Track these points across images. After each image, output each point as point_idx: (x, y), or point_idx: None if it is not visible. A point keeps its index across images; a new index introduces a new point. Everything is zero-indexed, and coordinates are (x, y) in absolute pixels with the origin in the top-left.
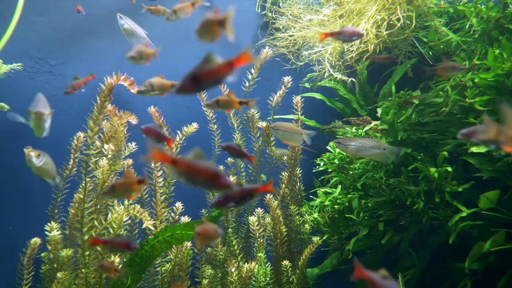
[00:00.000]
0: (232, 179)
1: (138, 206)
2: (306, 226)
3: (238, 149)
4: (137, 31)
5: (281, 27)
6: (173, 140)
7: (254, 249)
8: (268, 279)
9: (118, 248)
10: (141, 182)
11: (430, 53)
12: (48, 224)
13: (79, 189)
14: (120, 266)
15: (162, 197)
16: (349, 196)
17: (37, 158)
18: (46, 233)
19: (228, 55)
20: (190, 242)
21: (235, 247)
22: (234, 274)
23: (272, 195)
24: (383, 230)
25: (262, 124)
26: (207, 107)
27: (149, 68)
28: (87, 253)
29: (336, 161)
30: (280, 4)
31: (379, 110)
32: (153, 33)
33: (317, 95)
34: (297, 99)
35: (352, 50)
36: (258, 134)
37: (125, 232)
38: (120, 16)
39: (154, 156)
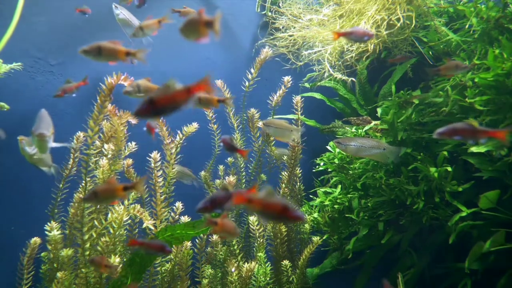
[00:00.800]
0: (232, 178)
1: (138, 206)
2: (306, 226)
3: (230, 142)
4: (132, 21)
5: (281, 27)
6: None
7: (254, 248)
8: (268, 278)
9: (153, 250)
10: (127, 188)
11: (430, 53)
12: (48, 223)
13: (79, 188)
14: (121, 265)
15: (162, 197)
16: (349, 196)
17: (30, 146)
18: (46, 232)
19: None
20: (190, 242)
21: (235, 247)
22: (234, 274)
23: None
24: (383, 230)
25: (262, 124)
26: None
27: (149, 68)
28: (87, 252)
29: (336, 161)
30: (280, 4)
31: (379, 110)
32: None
33: (317, 95)
34: (297, 98)
35: (352, 50)
36: (258, 134)
37: (125, 231)
38: (115, 6)
39: (235, 200)
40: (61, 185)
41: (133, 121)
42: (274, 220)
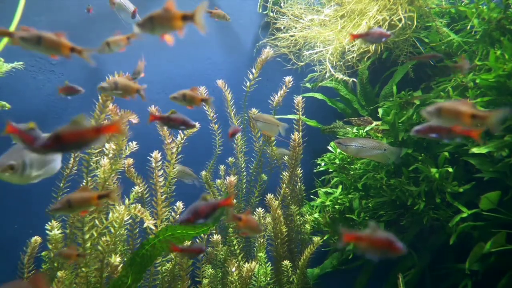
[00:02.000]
0: (232, 178)
1: (139, 206)
2: (307, 226)
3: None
4: (127, 5)
5: (282, 27)
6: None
7: (255, 249)
8: (268, 279)
9: (193, 254)
10: (102, 197)
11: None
12: (49, 223)
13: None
14: (121, 265)
15: (163, 197)
16: (349, 196)
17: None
18: (47, 232)
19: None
20: (190, 241)
21: (236, 247)
22: (235, 274)
23: (272, 194)
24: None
25: (252, 117)
26: (173, 99)
27: (150, 68)
28: (88, 252)
29: (337, 161)
30: (282, 4)
31: (380, 111)
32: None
33: (318, 95)
34: (298, 99)
35: (353, 51)
36: (259, 134)
37: (126, 231)
38: None
39: (345, 239)
40: (61, 185)
41: (134, 120)
42: (380, 255)
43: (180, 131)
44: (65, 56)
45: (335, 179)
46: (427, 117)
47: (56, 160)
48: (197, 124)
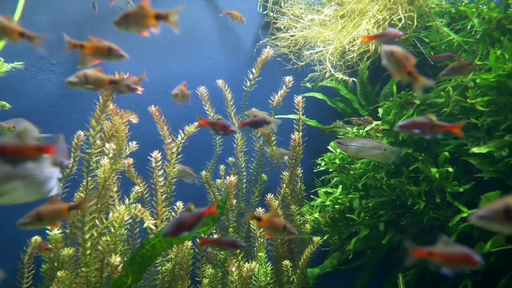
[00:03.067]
0: (232, 178)
1: (139, 205)
2: (307, 226)
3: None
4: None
5: (282, 27)
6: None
7: (255, 248)
8: (268, 278)
9: (226, 246)
10: (73, 208)
11: (432, 53)
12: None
13: (80, 188)
14: (121, 265)
15: (163, 196)
16: (350, 196)
17: (10, 132)
18: (47, 231)
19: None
20: (190, 241)
21: None
22: (235, 274)
23: (273, 194)
24: (383, 230)
25: (244, 114)
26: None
27: (150, 68)
28: (88, 252)
29: (337, 161)
30: (282, 4)
31: (380, 110)
32: (154, 33)
33: (318, 95)
34: (298, 99)
35: (353, 50)
36: (259, 134)
37: (126, 231)
38: None
39: (413, 255)
40: (61, 184)
41: (134, 120)
42: (455, 268)
43: (180, 131)
44: (13, 41)
45: (335, 179)
46: (382, 55)
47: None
48: (197, 124)
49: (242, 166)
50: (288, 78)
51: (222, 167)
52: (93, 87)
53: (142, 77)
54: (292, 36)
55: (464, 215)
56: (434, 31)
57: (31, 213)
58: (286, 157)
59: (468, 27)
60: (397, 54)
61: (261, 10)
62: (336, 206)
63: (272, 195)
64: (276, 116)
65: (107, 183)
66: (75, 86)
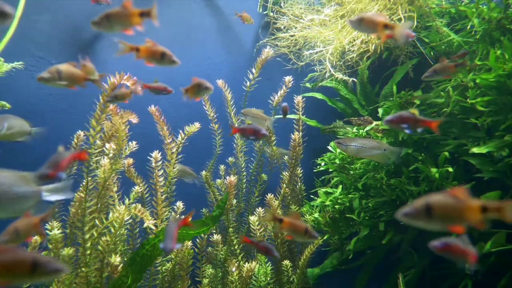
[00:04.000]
0: (232, 178)
1: (139, 205)
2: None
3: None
4: None
5: (282, 27)
6: None
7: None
8: (268, 278)
9: (261, 250)
10: (43, 219)
11: (432, 53)
12: (49, 223)
13: (80, 188)
14: (121, 265)
15: (163, 196)
16: (349, 196)
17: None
18: (47, 232)
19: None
20: (190, 241)
21: (236, 247)
22: (235, 274)
23: (272, 194)
24: (383, 230)
25: (242, 112)
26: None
27: (150, 68)
28: (88, 252)
29: (337, 161)
30: (282, 4)
31: (380, 110)
32: (154, 33)
33: (318, 95)
34: (298, 99)
35: (353, 50)
36: None
37: (126, 231)
38: None
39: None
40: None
41: (134, 120)
42: None
43: (180, 131)
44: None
45: (335, 179)
46: (351, 25)
47: None
48: (198, 124)
49: (242, 166)
50: (288, 78)
51: (222, 167)
52: (67, 83)
53: (136, 91)
54: (292, 36)
55: None
56: (434, 31)
57: (11, 228)
58: (286, 157)
59: (468, 27)
60: (366, 17)
61: (261, 10)
62: (336, 206)
63: (272, 195)
64: (276, 116)
65: (107, 183)
66: (48, 82)
